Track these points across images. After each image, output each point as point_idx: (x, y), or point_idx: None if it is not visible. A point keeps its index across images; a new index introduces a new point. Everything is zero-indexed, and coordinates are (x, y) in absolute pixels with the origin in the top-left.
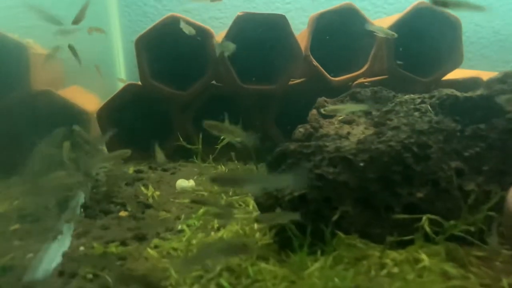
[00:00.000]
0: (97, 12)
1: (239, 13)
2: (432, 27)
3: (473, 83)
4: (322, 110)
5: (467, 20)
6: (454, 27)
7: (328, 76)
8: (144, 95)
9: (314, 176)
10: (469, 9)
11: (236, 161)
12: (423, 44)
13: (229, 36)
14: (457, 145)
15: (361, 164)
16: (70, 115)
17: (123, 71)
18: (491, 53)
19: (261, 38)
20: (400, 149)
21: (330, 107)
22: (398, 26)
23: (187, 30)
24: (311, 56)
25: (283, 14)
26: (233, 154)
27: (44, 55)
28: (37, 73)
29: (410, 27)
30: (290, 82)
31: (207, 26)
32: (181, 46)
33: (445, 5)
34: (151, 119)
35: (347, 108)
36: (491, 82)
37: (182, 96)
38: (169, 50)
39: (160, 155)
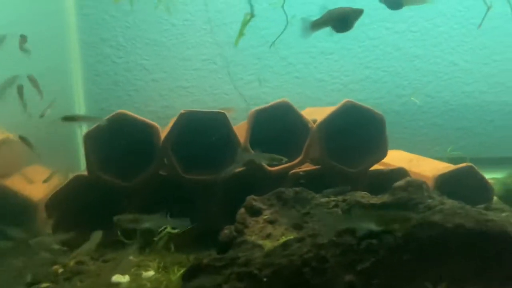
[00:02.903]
0: (62, 81)
1: (182, 111)
2: (359, 122)
3: (398, 174)
4: None
5: (420, 92)
6: (378, 123)
7: (266, 166)
8: (91, 185)
9: None
10: None
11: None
12: (352, 138)
13: (173, 131)
14: (352, 258)
15: (265, 279)
16: (12, 206)
17: None
18: (442, 121)
19: (203, 132)
20: (299, 264)
21: None
22: (329, 120)
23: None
24: (249, 148)
25: (223, 112)
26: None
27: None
28: None
29: (340, 122)
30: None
31: (153, 122)
32: (129, 139)
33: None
34: (98, 209)
35: None
36: (395, 189)
37: (127, 187)
38: (117, 143)
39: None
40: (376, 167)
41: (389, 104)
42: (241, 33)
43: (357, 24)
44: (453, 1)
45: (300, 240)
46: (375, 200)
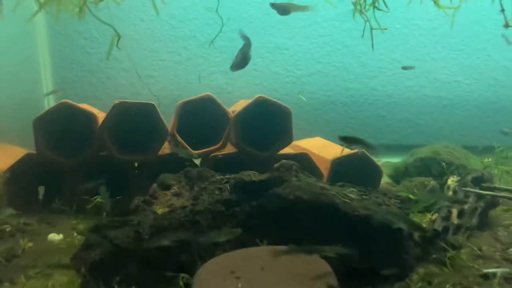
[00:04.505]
0: (34, 70)
1: (115, 102)
2: (269, 114)
3: (300, 158)
4: None
5: (365, 85)
6: (285, 115)
7: (190, 149)
8: (40, 162)
9: (112, 244)
10: None
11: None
12: (264, 127)
13: (107, 119)
14: (219, 221)
15: (146, 236)
16: None
17: None
18: (385, 113)
19: (135, 120)
20: (177, 225)
21: None
22: (244, 112)
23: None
24: (176, 134)
25: (152, 103)
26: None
27: None
28: None
29: (254, 114)
30: (164, 153)
31: (92, 110)
32: (73, 125)
33: None
34: (48, 183)
35: None
36: (273, 169)
37: (70, 165)
38: (63, 127)
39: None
40: (288, 151)
41: (337, 96)
42: (110, 51)
43: (309, 22)
44: (396, 3)
45: (184, 207)
46: (256, 177)
